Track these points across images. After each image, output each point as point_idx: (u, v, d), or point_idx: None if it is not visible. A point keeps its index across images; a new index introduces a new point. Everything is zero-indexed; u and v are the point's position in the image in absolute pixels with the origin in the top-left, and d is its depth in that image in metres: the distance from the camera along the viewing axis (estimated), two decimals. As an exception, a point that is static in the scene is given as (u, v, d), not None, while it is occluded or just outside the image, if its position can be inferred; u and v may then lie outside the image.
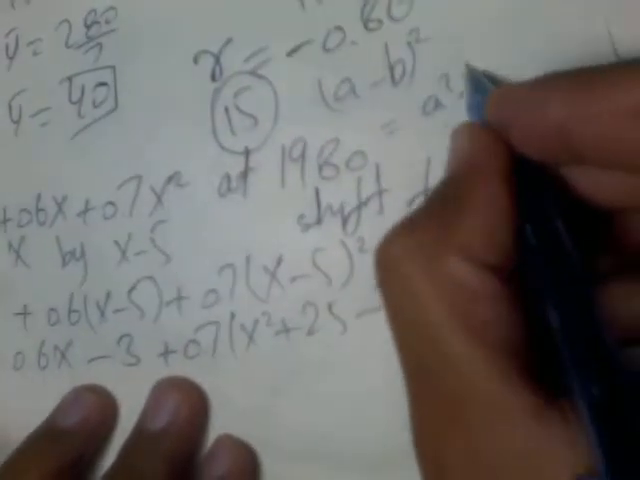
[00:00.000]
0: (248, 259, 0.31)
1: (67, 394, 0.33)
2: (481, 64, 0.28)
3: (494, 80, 0.27)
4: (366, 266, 0.29)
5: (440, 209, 0.21)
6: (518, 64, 0.27)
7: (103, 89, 0.33)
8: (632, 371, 0.19)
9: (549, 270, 0.21)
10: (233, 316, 0.31)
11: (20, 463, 0.32)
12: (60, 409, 0.33)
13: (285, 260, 0.30)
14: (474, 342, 0.19)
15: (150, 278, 0.32)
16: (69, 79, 0.33)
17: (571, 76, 0.21)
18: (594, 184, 0.22)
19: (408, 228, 0.21)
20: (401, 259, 0.21)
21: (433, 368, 0.20)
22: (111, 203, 0.33)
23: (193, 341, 0.32)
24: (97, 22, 0.33)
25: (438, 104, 0.28)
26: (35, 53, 0.34)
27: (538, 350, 0.20)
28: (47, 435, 0.33)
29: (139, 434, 0.32)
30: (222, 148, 0.31)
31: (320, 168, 0.30)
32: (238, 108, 0.31)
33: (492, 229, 0.21)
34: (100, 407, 0.33)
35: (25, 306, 0.34)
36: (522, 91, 0.22)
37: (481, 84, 0.26)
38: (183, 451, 0.31)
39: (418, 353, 0.21)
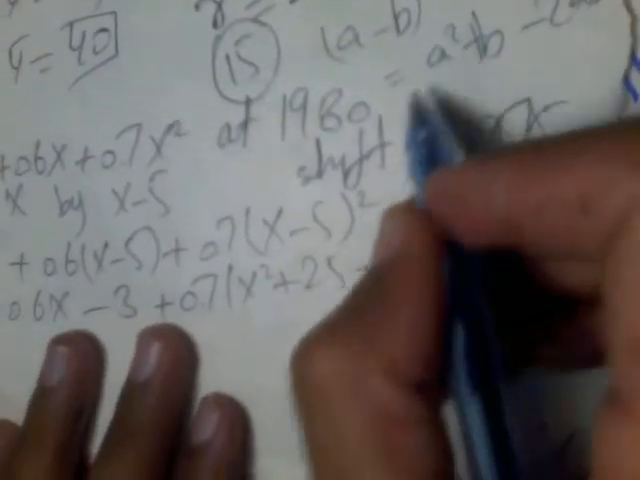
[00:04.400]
0: (247, 211, 0.30)
1: (46, 354, 0.33)
2: (488, 15, 0.27)
3: (446, 109, 0.26)
4: (366, 221, 0.29)
5: (363, 312, 0.20)
6: (526, 13, 0.27)
7: (104, 35, 0.32)
8: None
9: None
10: (231, 269, 0.31)
11: (29, 433, 0.32)
12: (43, 371, 0.33)
13: (285, 213, 0.30)
14: (396, 478, 0.18)
15: (148, 229, 0.32)
16: (70, 25, 0.33)
17: (514, 157, 0.19)
18: (541, 269, 0.21)
19: (329, 336, 0.19)
20: (320, 374, 0.19)
21: None
22: (110, 152, 0.32)
23: (190, 293, 0.31)
24: (99, -33, 0.33)
25: (443, 55, 0.28)
26: (36, -2, 0.34)
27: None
28: (41, 396, 0.33)
29: (128, 386, 0.32)
30: (223, 97, 0.31)
31: (322, 119, 0.29)
32: (239, 56, 0.30)
33: (419, 338, 0.19)
34: (76, 354, 0.33)
35: (21, 255, 0.34)
36: (462, 176, 0.20)
37: (424, 116, 0.24)
38: (171, 399, 0.31)
39: None
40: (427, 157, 0.23)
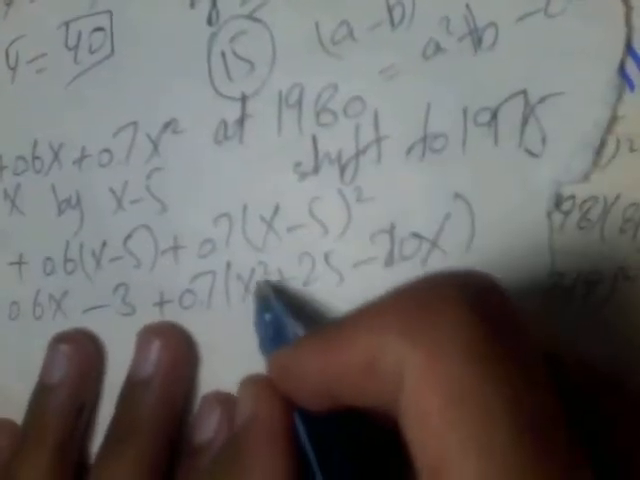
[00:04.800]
0: (244, 208, 0.30)
1: (46, 352, 0.33)
2: (482, 7, 0.27)
3: (283, 293, 0.29)
4: (363, 216, 0.29)
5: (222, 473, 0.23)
6: (520, 5, 0.27)
7: (100, 34, 0.32)
8: None
9: None
10: (229, 266, 0.31)
11: (31, 431, 0.32)
12: (44, 370, 0.33)
13: (282, 209, 0.30)
14: None
15: (146, 227, 0.32)
16: (66, 24, 0.33)
17: (318, 336, 0.22)
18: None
19: None
20: None
21: None
22: (107, 150, 0.32)
23: (189, 291, 0.31)
24: (94, -34, 0.33)
25: (438, 48, 0.28)
26: (32, -1, 0.34)
27: None
28: (42, 395, 0.33)
29: (128, 384, 0.32)
30: (218, 94, 0.31)
31: (317, 114, 0.29)
32: (235, 53, 0.30)
33: None
34: (77, 352, 0.33)
35: (20, 255, 0.34)
36: (289, 357, 0.23)
37: (269, 302, 0.28)
38: (171, 396, 0.31)
39: None
40: (273, 335, 0.27)
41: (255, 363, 0.30)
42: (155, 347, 0.31)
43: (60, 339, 0.33)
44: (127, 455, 0.30)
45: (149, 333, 0.32)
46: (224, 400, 0.31)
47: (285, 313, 0.27)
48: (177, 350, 0.31)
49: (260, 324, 0.28)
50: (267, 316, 0.28)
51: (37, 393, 0.33)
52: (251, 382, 0.25)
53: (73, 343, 0.33)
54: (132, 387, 0.31)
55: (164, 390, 0.31)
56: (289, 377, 0.23)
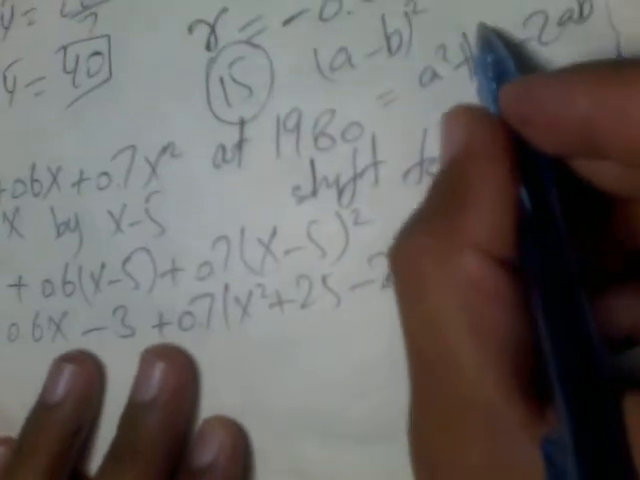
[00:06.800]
0: (242, 231, 0.31)
1: (49, 371, 0.33)
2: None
3: (505, 41, 0.27)
4: (361, 239, 0.29)
5: (446, 204, 0.21)
6: (517, 36, 0.27)
7: (98, 58, 0.33)
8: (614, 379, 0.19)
9: (542, 267, 0.21)
10: (227, 288, 0.31)
11: (26, 447, 0.32)
12: (46, 387, 0.33)
13: (279, 232, 0.30)
14: (482, 347, 0.19)
15: (144, 249, 0.32)
16: (64, 48, 0.33)
17: (597, 69, 0.20)
18: (604, 174, 0.22)
19: (419, 227, 0.21)
20: (416, 259, 0.20)
21: (437, 369, 0.20)
22: (105, 173, 0.32)
23: (187, 313, 0.32)
24: (92, -9, 0.33)
25: (435, 75, 0.28)
26: (30, 22, 0.34)
27: (536, 352, 0.20)
28: (42, 412, 0.33)
29: (130, 406, 0.32)
30: (217, 118, 0.31)
31: (315, 139, 0.29)
32: (233, 78, 0.31)
33: (500, 221, 0.20)
34: (81, 373, 0.33)
35: (20, 277, 0.34)
36: (543, 83, 0.21)
37: (491, 44, 0.26)
38: (174, 419, 0.31)
39: (426, 353, 0.20)
40: (495, 78, 0.25)
41: (254, 385, 0.31)
42: (159, 369, 0.31)
43: (65, 359, 0.33)
44: (126, 476, 0.30)
45: (153, 355, 0.32)
46: (226, 423, 0.31)
47: (508, 55, 0.26)
48: (181, 373, 0.31)
49: (480, 65, 0.26)
50: (489, 57, 0.26)
51: (36, 410, 0.33)
52: (460, 112, 0.23)
53: (77, 363, 0.33)
54: (134, 408, 0.31)
55: (167, 413, 0.31)
56: (538, 107, 0.21)
